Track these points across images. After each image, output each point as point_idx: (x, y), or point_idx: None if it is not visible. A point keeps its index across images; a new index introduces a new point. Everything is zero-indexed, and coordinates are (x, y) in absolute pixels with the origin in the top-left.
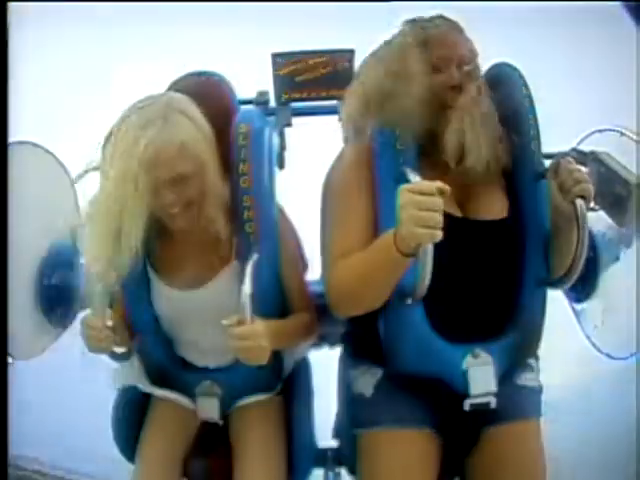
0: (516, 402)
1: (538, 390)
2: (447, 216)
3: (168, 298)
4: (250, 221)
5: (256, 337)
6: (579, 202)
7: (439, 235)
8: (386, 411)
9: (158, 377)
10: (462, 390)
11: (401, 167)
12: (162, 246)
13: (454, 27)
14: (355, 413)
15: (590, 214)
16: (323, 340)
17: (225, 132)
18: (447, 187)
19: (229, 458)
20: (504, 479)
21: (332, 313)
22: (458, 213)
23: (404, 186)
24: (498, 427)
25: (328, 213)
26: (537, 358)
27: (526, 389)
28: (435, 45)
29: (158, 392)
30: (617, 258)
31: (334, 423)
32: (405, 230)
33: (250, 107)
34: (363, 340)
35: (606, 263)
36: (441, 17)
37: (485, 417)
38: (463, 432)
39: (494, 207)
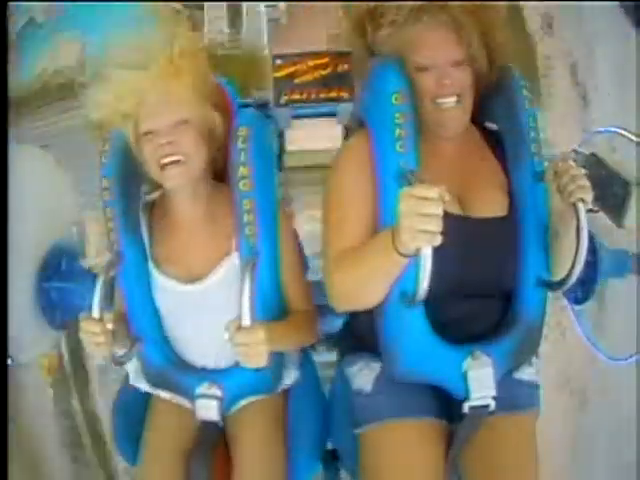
0: (512, 395)
1: (535, 384)
2: (446, 214)
3: (168, 290)
4: (250, 224)
5: (256, 342)
6: (579, 205)
7: (438, 240)
8: (386, 404)
9: (157, 379)
10: (461, 393)
11: (401, 168)
12: (162, 238)
13: (447, 21)
14: (355, 411)
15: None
16: (323, 342)
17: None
18: (448, 196)
19: (230, 459)
20: (496, 469)
21: (332, 313)
22: (458, 211)
23: (405, 190)
24: (493, 418)
25: (329, 211)
26: (537, 355)
27: (522, 382)
28: (424, 44)
29: (158, 392)
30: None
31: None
32: (405, 234)
33: (250, 109)
34: (361, 337)
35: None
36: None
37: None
38: (462, 435)
39: (494, 205)
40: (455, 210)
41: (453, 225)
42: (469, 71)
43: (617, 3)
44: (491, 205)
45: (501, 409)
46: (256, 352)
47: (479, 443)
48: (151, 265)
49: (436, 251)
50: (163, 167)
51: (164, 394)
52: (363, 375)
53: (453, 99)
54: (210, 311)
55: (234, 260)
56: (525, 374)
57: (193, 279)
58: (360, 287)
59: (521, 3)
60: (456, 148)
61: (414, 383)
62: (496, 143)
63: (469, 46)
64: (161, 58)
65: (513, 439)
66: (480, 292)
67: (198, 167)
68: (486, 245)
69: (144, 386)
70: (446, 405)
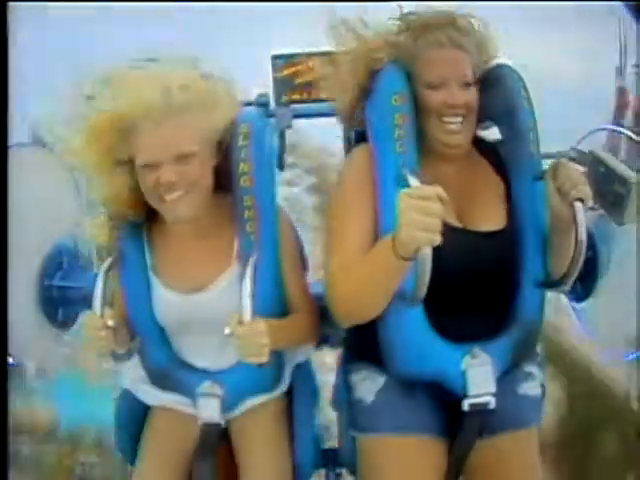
0: (517, 412)
1: (540, 397)
2: (446, 226)
3: (168, 301)
4: (251, 220)
5: (257, 335)
6: (578, 205)
7: (438, 240)
8: (386, 418)
9: (158, 378)
10: (461, 391)
11: (401, 170)
12: (162, 248)
13: (459, 43)
14: (355, 418)
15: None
16: (324, 341)
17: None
18: (446, 196)
19: (233, 460)
20: None
21: (334, 318)
22: (457, 223)
23: (404, 191)
24: (498, 436)
25: (331, 220)
26: (540, 365)
27: (528, 398)
28: (436, 63)
29: (157, 400)
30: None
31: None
32: (405, 234)
33: (251, 108)
34: (365, 345)
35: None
36: (447, 29)
37: (485, 425)
38: (463, 439)
39: (493, 216)
40: (455, 222)
41: (454, 237)
42: (476, 93)
43: (619, 3)
44: (490, 218)
45: (507, 427)
46: (257, 345)
47: (485, 461)
48: (151, 274)
49: (437, 262)
50: (164, 200)
51: (165, 395)
52: (366, 385)
53: (459, 119)
54: (210, 322)
55: (235, 271)
56: (529, 389)
57: (194, 290)
58: (362, 297)
59: None
60: (456, 166)
61: (415, 400)
62: (492, 153)
63: (474, 68)
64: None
65: (519, 457)
66: (479, 295)
67: (203, 194)
68: (486, 257)
69: (142, 395)
70: (447, 423)
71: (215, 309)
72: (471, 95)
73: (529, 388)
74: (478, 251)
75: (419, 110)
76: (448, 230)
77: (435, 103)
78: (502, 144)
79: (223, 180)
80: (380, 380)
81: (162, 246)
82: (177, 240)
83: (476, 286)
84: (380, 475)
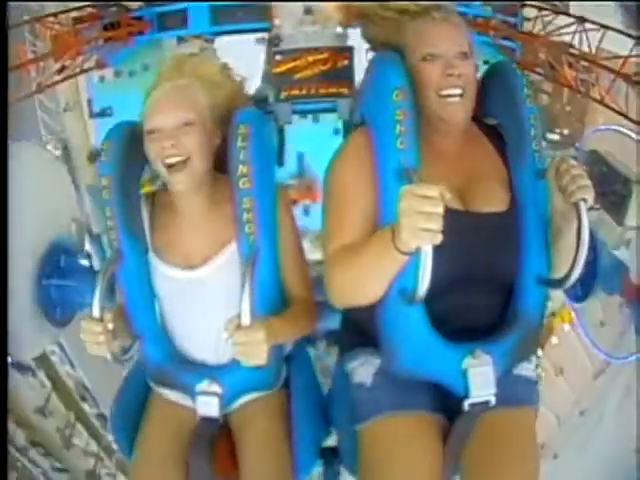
0: (510, 390)
1: (534, 380)
2: (447, 208)
3: (169, 278)
4: (250, 223)
5: (255, 342)
6: (581, 205)
7: (439, 238)
8: (386, 398)
9: (158, 376)
10: (461, 391)
11: (402, 165)
12: (163, 227)
13: (451, 16)
14: (355, 406)
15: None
16: (321, 339)
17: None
18: (449, 195)
19: (233, 456)
20: (497, 461)
21: (330, 309)
22: (458, 205)
23: (406, 188)
24: (491, 412)
25: (329, 208)
26: (536, 352)
27: (521, 378)
28: (430, 34)
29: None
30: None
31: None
32: (405, 233)
33: (250, 108)
34: (361, 333)
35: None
36: (439, 8)
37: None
38: (461, 425)
39: (495, 200)
40: (456, 205)
41: (453, 220)
42: (474, 66)
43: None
44: (491, 200)
45: (500, 404)
46: (255, 351)
47: (478, 436)
48: (152, 254)
49: (436, 245)
50: (169, 167)
51: (165, 391)
52: (364, 369)
53: (458, 92)
54: (210, 299)
55: (233, 249)
56: (523, 370)
57: (193, 266)
58: (358, 284)
59: None
60: (457, 144)
61: (414, 379)
62: (497, 138)
63: (469, 43)
64: (169, 59)
65: (512, 432)
66: (480, 287)
67: (202, 166)
68: (486, 239)
69: None
70: (445, 399)
71: (213, 286)
72: (468, 66)
73: (523, 369)
74: (479, 232)
75: (417, 86)
76: (449, 213)
77: (433, 75)
78: (504, 132)
79: (225, 164)
80: (376, 362)
81: (163, 226)
82: (179, 217)
83: (477, 276)
84: (381, 453)
